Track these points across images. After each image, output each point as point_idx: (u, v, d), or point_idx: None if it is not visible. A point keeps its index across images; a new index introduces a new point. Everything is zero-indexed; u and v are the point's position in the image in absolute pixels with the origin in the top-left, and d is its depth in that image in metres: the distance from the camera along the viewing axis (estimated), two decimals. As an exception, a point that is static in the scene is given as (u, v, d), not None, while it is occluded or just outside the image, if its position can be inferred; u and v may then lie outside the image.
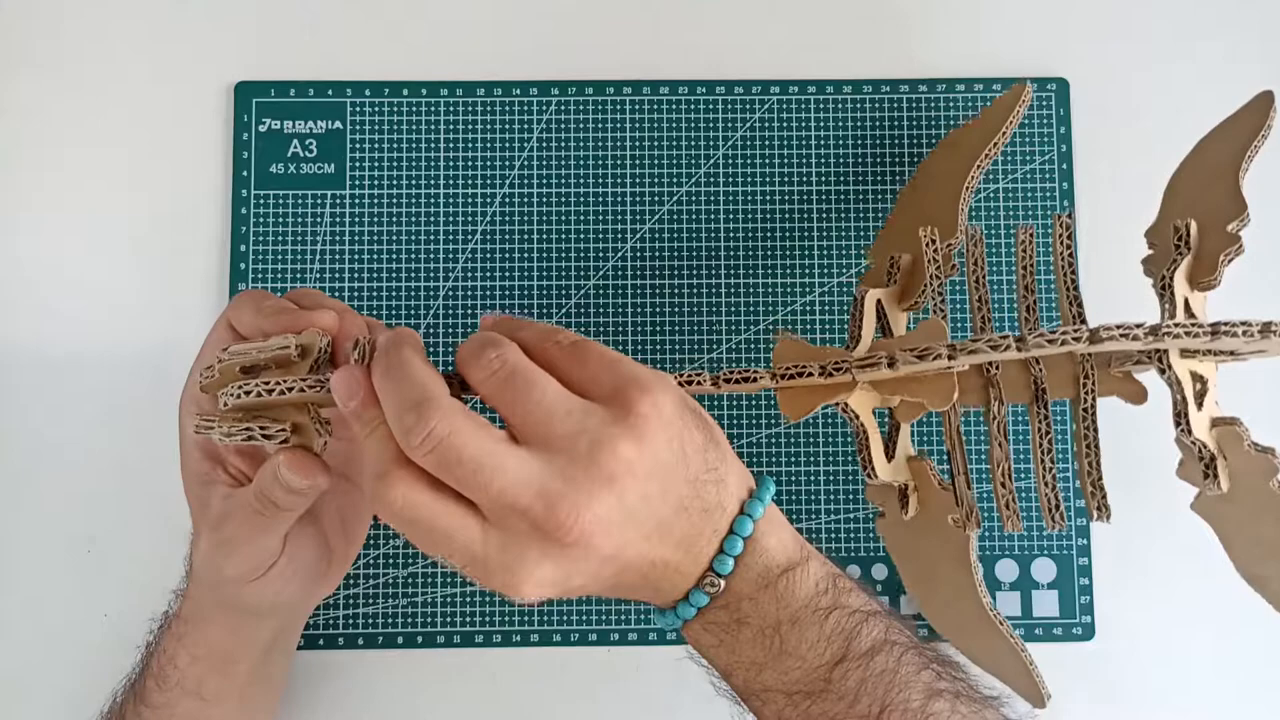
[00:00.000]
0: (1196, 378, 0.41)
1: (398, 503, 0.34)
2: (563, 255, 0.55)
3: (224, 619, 0.44)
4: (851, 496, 0.54)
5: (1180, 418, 0.41)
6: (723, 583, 0.37)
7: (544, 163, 0.56)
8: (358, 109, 0.56)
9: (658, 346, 0.55)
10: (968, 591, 0.48)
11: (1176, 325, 0.38)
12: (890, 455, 0.47)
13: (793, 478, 0.54)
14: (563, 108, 0.56)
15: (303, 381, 0.37)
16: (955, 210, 0.49)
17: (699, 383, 0.42)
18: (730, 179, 0.56)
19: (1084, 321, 0.42)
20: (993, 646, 0.49)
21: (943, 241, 0.46)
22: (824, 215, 0.56)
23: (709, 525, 0.37)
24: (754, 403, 0.54)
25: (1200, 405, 0.41)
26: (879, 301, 0.47)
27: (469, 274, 0.55)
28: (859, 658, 0.37)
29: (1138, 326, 0.38)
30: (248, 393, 0.37)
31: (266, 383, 0.37)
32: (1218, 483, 0.41)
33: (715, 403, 0.54)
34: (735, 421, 0.54)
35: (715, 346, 0.55)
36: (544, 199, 0.56)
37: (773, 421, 0.54)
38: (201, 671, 0.44)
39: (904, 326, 0.48)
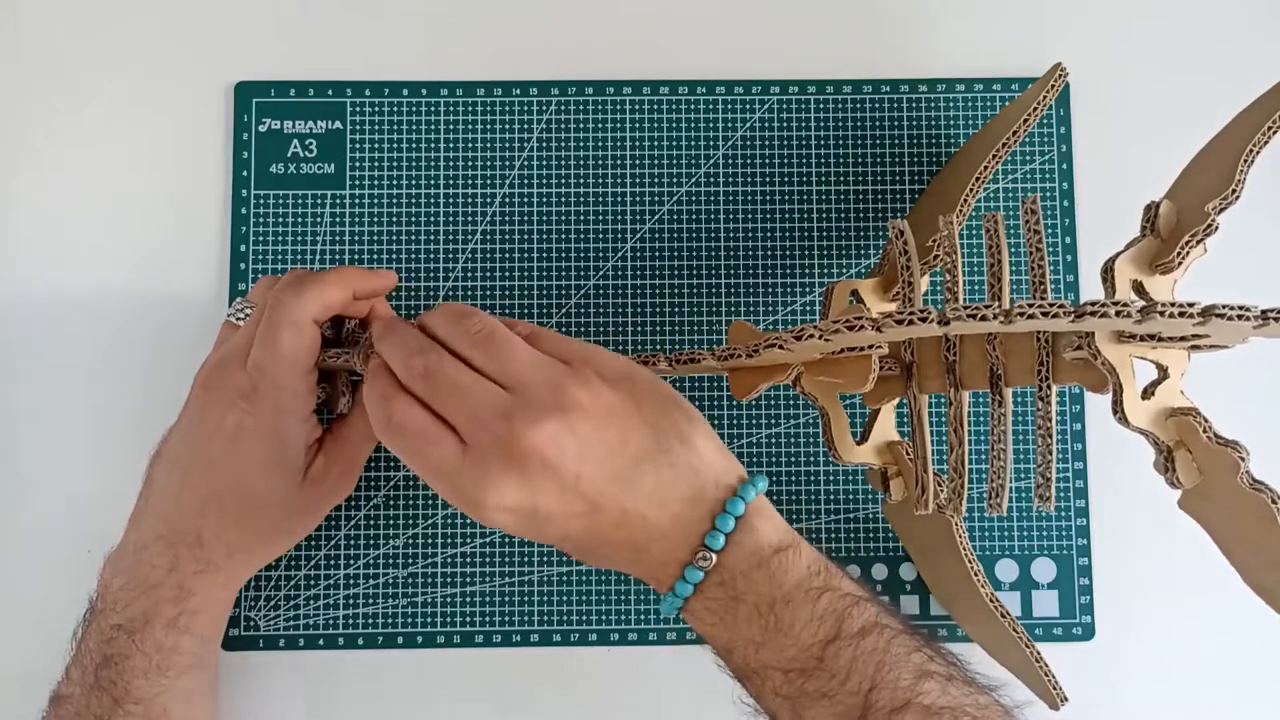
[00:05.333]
0: (1159, 365, 0.41)
1: (397, 414, 0.41)
2: (563, 255, 0.55)
3: (239, 573, 0.49)
4: (851, 496, 0.54)
5: (1116, 405, 0.40)
6: (714, 556, 0.40)
7: (544, 163, 0.56)
8: (358, 109, 0.56)
9: (658, 346, 0.55)
10: (965, 578, 0.48)
11: (1100, 304, 0.36)
12: (866, 439, 0.48)
13: (793, 478, 0.54)
14: (563, 108, 0.56)
15: (335, 355, 0.48)
16: (959, 199, 0.49)
17: (654, 363, 0.46)
18: (730, 179, 0.56)
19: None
20: (999, 637, 0.49)
21: (944, 227, 0.46)
22: (824, 215, 0.56)
23: (683, 482, 0.40)
24: (755, 402, 0.54)
25: (1150, 393, 0.40)
26: (855, 291, 0.48)
27: (469, 274, 0.55)
28: (850, 637, 0.39)
29: (1059, 305, 0.36)
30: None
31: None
32: (1176, 475, 0.40)
33: (719, 405, 0.54)
34: (736, 422, 0.54)
35: (715, 346, 0.54)
36: (544, 199, 0.56)
37: (773, 421, 0.54)
38: (206, 640, 0.48)
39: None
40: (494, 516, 0.39)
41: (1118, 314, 0.35)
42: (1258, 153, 0.40)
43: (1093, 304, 0.36)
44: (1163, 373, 0.41)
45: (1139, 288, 0.41)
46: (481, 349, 0.41)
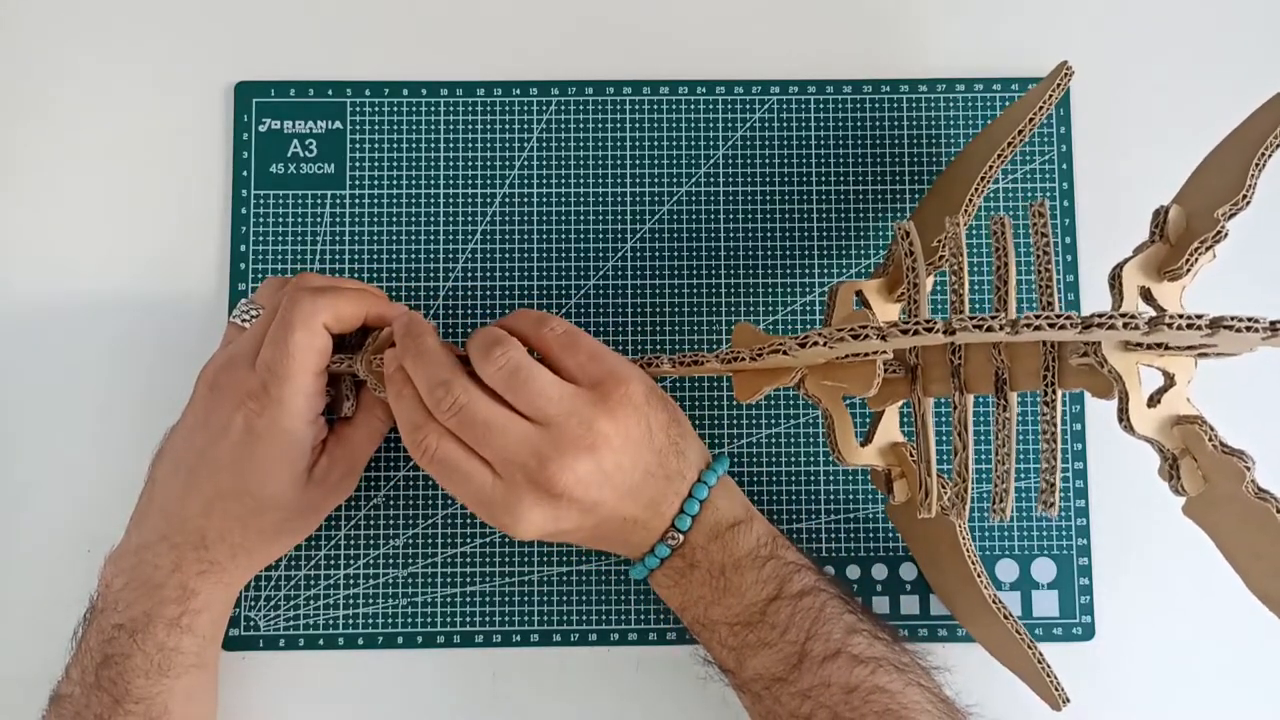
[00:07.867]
0: (1165, 373, 0.41)
1: (433, 447, 0.43)
2: (563, 255, 0.55)
3: (242, 573, 0.49)
4: (851, 496, 0.54)
5: (1121, 413, 0.40)
6: (682, 536, 0.45)
7: (544, 163, 0.56)
8: (358, 109, 0.56)
9: (658, 346, 0.55)
10: (967, 579, 0.48)
11: (1107, 316, 0.36)
12: (869, 441, 0.48)
13: (793, 478, 0.54)
14: (563, 108, 0.56)
15: (338, 360, 0.48)
16: (964, 199, 0.49)
17: (658, 364, 0.47)
18: (730, 179, 0.56)
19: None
20: (1001, 638, 0.49)
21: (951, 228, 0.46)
22: (824, 215, 0.56)
23: (671, 489, 0.45)
24: (755, 404, 0.54)
25: (1156, 401, 0.40)
26: (859, 293, 0.48)
27: (469, 274, 0.55)
28: (790, 597, 0.44)
29: (1065, 317, 0.36)
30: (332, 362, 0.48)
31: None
32: (1180, 483, 0.40)
33: (720, 404, 0.54)
34: (736, 421, 0.54)
35: (715, 346, 0.55)
36: (544, 199, 0.56)
37: (773, 421, 0.54)
38: (207, 640, 0.48)
39: (895, 318, 0.48)
40: (520, 535, 0.43)
41: (1125, 325, 0.35)
42: (1269, 157, 0.40)
43: (1100, 315, 0.36)
44: (1169, 380, 0.40)
45: (1147, 294, 0.41)
46: (508, 387, 0.43)
